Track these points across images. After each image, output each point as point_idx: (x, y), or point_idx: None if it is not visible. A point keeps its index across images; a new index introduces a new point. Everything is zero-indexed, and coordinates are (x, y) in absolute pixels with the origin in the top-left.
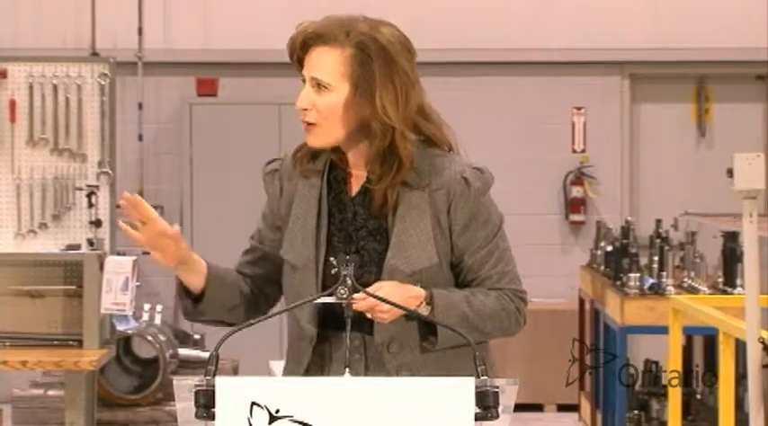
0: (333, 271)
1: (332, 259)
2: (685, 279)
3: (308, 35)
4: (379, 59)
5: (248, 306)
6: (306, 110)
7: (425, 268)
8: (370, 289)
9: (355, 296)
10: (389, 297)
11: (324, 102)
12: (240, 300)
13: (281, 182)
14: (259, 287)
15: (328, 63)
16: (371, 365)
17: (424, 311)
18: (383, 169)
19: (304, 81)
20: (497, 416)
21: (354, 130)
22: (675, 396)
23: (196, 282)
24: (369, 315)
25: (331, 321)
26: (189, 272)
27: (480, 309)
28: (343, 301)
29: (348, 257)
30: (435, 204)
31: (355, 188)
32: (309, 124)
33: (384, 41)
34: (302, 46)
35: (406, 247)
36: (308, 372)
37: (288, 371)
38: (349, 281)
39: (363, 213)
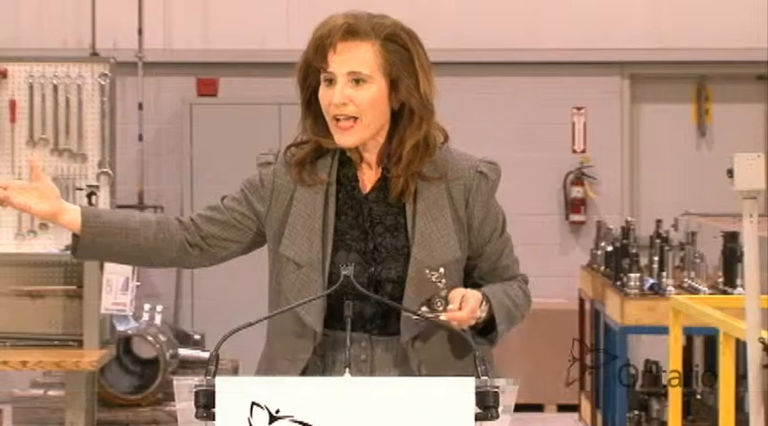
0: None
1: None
2: (685, 280)
3: (340, 30)
4: (414, 47)
5: (146, 252)
6: (344, 104)
7: (449, 262)
8: (458, 299)
9: (449, 307)
10: (472, 298)
11: (363, 95)
12: (133, 245)
13: (275, 177)
14: (209, 243)
15: (364, 56)
16: (378, 365)
17: (483, 312)
18: (412, 156)
19: (329, 81)
20: (497, 416)
21: (383, 124)
22: (675, 396)
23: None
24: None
25: (335, 321)
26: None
27: (515, 301)
28: (439, 313)
29: (349, 256)
30: (453, 197)
31: (368, 185)
32: (349, 119)
33: (410, 30)
34: (331, 42)
35: (431, 242)
36: (305, 371)
37: (279, 367)
38: (444, 292)
39: (379, 209)
